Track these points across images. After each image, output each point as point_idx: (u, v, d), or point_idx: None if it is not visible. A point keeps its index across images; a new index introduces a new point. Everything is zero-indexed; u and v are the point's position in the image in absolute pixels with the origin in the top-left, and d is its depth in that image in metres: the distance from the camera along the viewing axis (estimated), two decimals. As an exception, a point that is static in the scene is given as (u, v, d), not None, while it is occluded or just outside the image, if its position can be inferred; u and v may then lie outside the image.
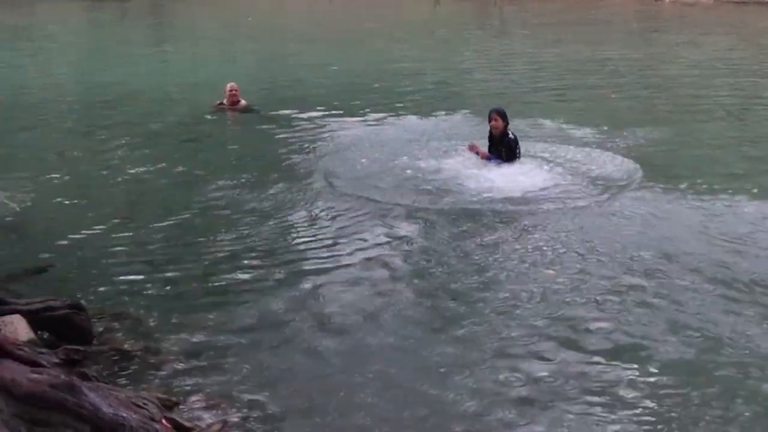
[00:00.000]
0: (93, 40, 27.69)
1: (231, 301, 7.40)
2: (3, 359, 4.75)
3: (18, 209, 9.79)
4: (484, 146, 11.36)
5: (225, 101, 15.29)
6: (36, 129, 14.61)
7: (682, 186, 10.49)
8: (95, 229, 9.11)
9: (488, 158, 11.20)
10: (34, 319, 6.07)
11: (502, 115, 11.15)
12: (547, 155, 11.77)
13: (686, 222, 9.20)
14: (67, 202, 10.16)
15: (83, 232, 9.03)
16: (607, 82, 18.72)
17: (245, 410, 5.59)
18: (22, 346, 5.38)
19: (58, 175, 11.10)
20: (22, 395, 4.50)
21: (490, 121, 11.20)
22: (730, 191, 10.23)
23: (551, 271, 7.85)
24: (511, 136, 11.21)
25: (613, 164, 11.50)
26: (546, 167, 11.18)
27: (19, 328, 5.83)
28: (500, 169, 10.95)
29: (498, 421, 5.50)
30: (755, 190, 10.26)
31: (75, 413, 4.59)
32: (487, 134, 11.39)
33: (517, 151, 11.22)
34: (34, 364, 5.05)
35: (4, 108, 16.04)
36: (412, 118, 14.78)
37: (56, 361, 5.51)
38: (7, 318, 5.88)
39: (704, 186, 10.49)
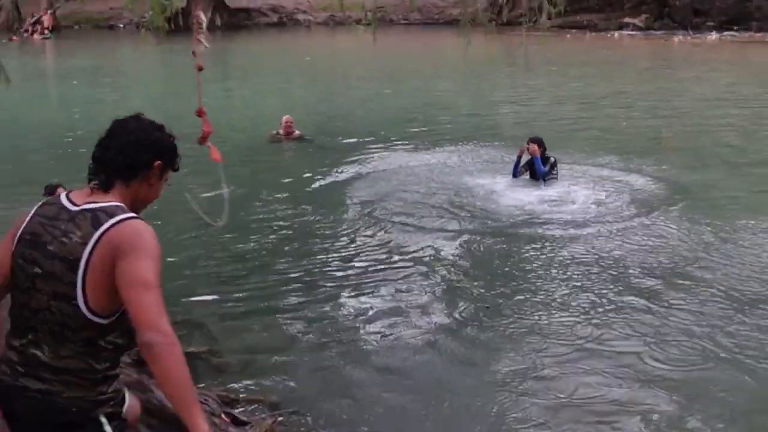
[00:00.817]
0: (164, 76, 27.93)
1: (287, 314, 7.38)
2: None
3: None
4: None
5: (281, 131, 15.31)
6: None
7: (697, 207, 10.26)
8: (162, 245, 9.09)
9: (528, 164, 11.15)
10: (109, 323, 6.06)
11: (538, 142, 11.02)
12: (573, 180, 11.60)
13: (703, 242, 8.99)
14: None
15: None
16: (622, 114, 18.47)
17: (296, 408, 5.53)
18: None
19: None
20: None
21: (528, 150, 11.04)
22: (742, 212, 10.03)
23: (581, 291, 7.64)
24: (552, 159, 11.09)
25: (634, 187, 11.34)
26: (573, 191, 11.00)
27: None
28: (534, 190, 10.85)
29: None
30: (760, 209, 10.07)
31: (145, 408, 4.56)
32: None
33: (555, 171, 11.08)
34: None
35: (86, 142, 16.17)
36: (450, 147, 14.59)
37: (129, 361, 5.48)
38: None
39: (719, 207, 10.29)
